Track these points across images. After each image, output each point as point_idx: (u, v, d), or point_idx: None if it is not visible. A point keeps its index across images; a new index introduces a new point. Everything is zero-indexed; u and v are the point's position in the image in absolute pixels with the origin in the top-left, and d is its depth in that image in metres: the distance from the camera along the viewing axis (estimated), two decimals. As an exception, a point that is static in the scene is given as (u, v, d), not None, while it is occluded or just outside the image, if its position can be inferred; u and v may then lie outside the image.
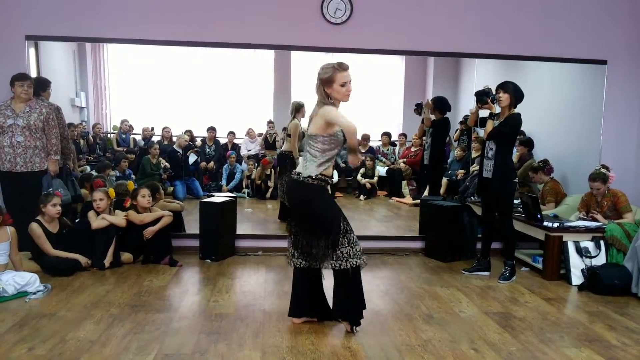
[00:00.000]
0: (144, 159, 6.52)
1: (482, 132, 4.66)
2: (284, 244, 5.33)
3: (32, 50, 5.08)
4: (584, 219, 4.89)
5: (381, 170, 7.15)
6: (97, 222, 4.65)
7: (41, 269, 4.35)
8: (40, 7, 4.93)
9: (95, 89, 6.68)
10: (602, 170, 4.82)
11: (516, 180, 4.58)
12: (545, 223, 4.69)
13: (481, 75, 5.85)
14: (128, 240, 4.77)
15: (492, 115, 4.48)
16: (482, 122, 4.65)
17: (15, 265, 4.10)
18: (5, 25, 4.90)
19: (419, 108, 6.12)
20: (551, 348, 3.19)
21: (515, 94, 4.41)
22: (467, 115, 6.39)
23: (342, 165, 7.15)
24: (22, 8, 4.91)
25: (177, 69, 6.68)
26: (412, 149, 6.93)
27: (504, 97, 4.41)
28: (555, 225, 4.65)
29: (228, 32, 5.08)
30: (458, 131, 6.49)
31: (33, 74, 5.07)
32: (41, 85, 4.97)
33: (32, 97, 4.67)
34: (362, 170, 7.10)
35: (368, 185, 7.04)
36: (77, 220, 4.90)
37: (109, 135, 6.85)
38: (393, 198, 7.02)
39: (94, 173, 5.83)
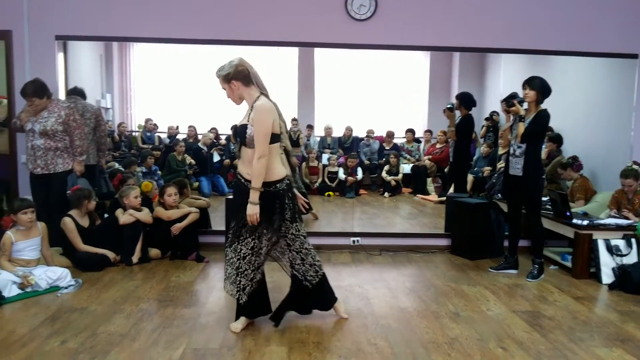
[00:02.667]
0: (169, 155, 6.61)
1: (504, 124, 4.60)
2: (309, 240, 5.39)
3: (60, 55, 5.15)
4: (614, 217, 4.80)
5: (405, 167, 7.12)
6: (124, 218, 4.73)
7: (72, 264, 4.44)
8: (70, 8, 5.02)
9: (120, 91, 6.81)
10: (635, 166, 4.72)
11: (544, 176, 4.51)
12: (574, 220, 4.61)
13: (507, 70, 5.78)
14: (156, 236, 4.84)
15: (521, 118, 4.40)
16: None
17: (47, 260, 4.19)
18: (36, 25, 5.00)
19: (451, 108, 5.96)
20: (581, 348, 3.14)
21: (542, 89, 4.34)
22: (494, 112, 6.37)
23: (367, 162, 7.14)
24: (51, 9, 5.00)
25: (201, 68, 6.73)
26: (437, 146, 6.87)
27: (530, 93, 4.34)
28: (585, 222, 4.56)
29: (252, 29, 5.10)
30: (484, 128, 6.41)
31: (61, 77, 5.16)
32: (80, 94, 5.15)
33: (51, 101, 4.63)
34: (386, 167, 7.08)
35: (393, 183, 7.01)
36: (105, 216, 4.99)
37: (133, 133, 6.97)
38: (418, 195, 6.97)
39: (121, 169, 5.94)
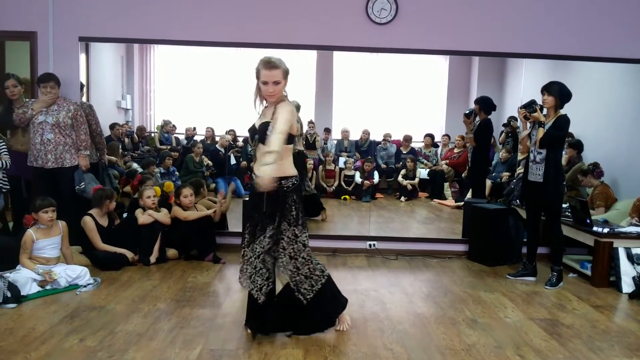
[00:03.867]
0: (187, 157, 6.66)
1: (523, 132, 4.57)
2: (325, 243, 5.41)
3: (83, 56, 5.23)
4: (636, 225, 4.72)
5: (423, 172, 7.08)
6: (142, 218, 4.78)
7: (91, 263, 4.50)
8: (93, 11, 5.09)
9: (140, 92, 6.88)
10: (657, 174, 4.64)
11: (565, 182, 4.46)
12: (594, 228, 4.56)
13: (528, 75, 5.71)
14: (174, 237, 4.88)
15: (541, 124, 4.36)
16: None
17: (67, 259, 4.24)
18: (60, 27, 5.08)
19: (469, 115, 5.90)
20: (601, 357, 3.10)
21: (561, 95, 4.31)
22: (511, 117, 6.31)
23: (383, 166, 7.12)
24: (75, 11, 5.08)
25: (220, 70, 6.78)
26: (455, 150, 6.83)
27: (549, 99, 4.32)
28: (606, 230, 4.50)
29: (272, 32, 5.13)
30: (503, 134, 6.36)
31: (83, 77, 5.25)
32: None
33: (58, 96, 4.77)
34: (403, 171, 7.05)
35: (409, 187, 6.98)
36: (124, 216, 5.04)
37: (152, 134, 7.03)
38: (435, 200, 6.93)
39: (139, 169, 6.00)
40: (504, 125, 6.32)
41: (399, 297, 4.07)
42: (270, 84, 3.02)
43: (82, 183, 4.75)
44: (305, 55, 6.39)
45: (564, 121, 4.31)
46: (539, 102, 4.40)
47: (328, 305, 3.29)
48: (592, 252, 4.61)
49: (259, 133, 3.08)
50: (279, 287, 3.31)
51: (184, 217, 4.91)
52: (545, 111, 4.39)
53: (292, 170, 3.14)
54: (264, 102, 3.19)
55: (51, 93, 4.68)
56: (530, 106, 4.39)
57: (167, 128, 7.00)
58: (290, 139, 3.08)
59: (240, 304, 3.77)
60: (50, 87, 4.68)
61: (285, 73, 3.08)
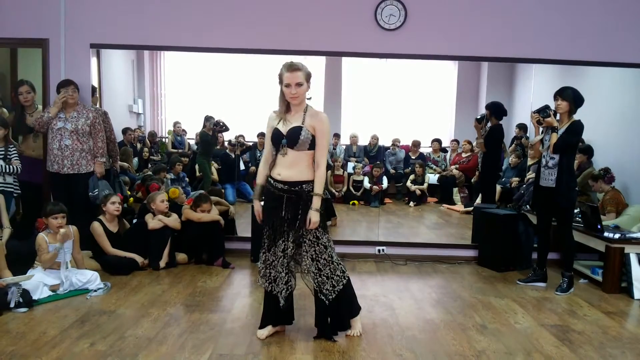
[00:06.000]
0: (201, 133, 6.68)
1: (533, 138, 4.55)
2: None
3: (94, 60, 5.30)
4: (647, 231, 4.68)
5: (432, 177, 7.06)
6: (152, 223, 4.80)
7: (101, 267, 4.53)
8: (104, 18, 5.14)
9: (151, 96, 6.92)
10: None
11: (577, 188, 4.44)
12: (605, 234, 4.52)
13: (538, 81, 5.69)
14: (183, 241, 4.90)
15: (554, 129, 4.35)
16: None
17: (77, 263, 4.27)
18: (71, 34, 5.14)
19: (481, 120, 5.89)
20: (613, 364, 3.08)
21: (574, 100, 4.30)
22: (521, 124, 6.29)
23: (392, 171, 7.12)
24: (87, 18, 5.14)
25: (230, 76, 6.82)
26: (464, 155, 6.81)
27: (563, 104, 4.30)
28: (617, 236, 4.47)
29: (281, 38, 5.15)
30: (514, 145, 6.33)
31: (95, 81, 5.31)
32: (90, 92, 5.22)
33: (78, 102, 4.85)
34: (411, 176, 7.05)
35: (418, 192, 6.97)
36: (134, 221, 5.07)
37: (163, 139, 7.07)
38: (444, 205, 6.92)
39: (151, 174, 6.03)
40: (515, 138, 6.30)
41: (408, 302, 4.06)
42: (293, 85, 3.05)
43: (96, 190, 4.79)
44: (314, 60, 6.41)
45: (578, 126, 4.30)
46: (552, 105, 4.38)
47: (345, 307, 3.30)
48: (603, 258, 4.59)
49: (288, 138, 3.09)
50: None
51: (197, 218, 4.93)
52: (558, 116, 4.37)
53: (312, 175, 3.15)
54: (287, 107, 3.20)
55: (72, 96, 4.75)
56: (543, 111, 4.38)
57: (176, 129, 7.04)
58: (312, 144, 3.11)
59: (249, 309, 3.79)
60: (72, 90, 4.76)
61: (308, 76, 3.12)
